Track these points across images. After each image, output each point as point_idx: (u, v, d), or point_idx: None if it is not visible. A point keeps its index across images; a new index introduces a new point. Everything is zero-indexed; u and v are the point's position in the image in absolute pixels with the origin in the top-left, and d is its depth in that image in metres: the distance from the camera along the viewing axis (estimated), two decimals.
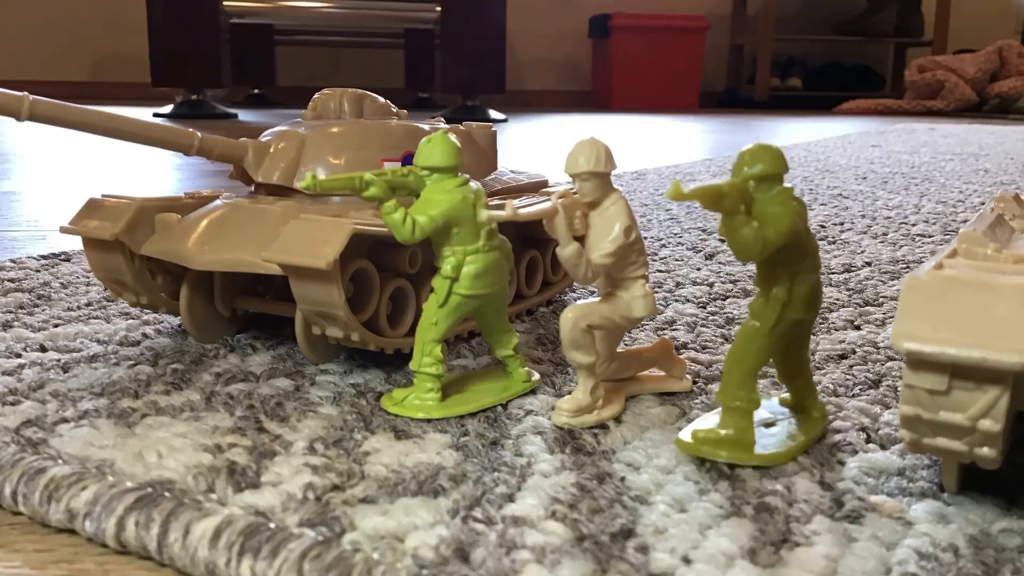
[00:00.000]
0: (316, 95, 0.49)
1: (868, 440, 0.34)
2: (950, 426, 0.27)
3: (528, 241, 0.54)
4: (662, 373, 0.40)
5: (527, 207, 0.35)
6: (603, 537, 0.27)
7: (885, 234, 0.82)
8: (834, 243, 0.77)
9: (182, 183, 1.17)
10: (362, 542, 0.26)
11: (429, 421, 0.36)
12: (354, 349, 0.43)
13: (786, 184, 0.33)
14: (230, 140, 0.45)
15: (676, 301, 0.56)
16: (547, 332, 0.49)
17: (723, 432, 0.33)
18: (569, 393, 0.37)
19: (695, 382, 0.41)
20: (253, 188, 0.47)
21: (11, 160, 1.40)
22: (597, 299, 0.37)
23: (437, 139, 0.38)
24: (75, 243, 0.74)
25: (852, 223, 0.88)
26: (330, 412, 0.36)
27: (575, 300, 0.56)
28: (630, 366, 0.39)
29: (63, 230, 0.44)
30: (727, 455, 0.32)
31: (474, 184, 0.39)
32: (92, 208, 0.45)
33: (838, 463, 0.32)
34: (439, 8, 2.84)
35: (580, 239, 0.35)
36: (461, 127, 0.50)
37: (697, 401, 0.38)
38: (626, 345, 0.45)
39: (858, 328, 0.51)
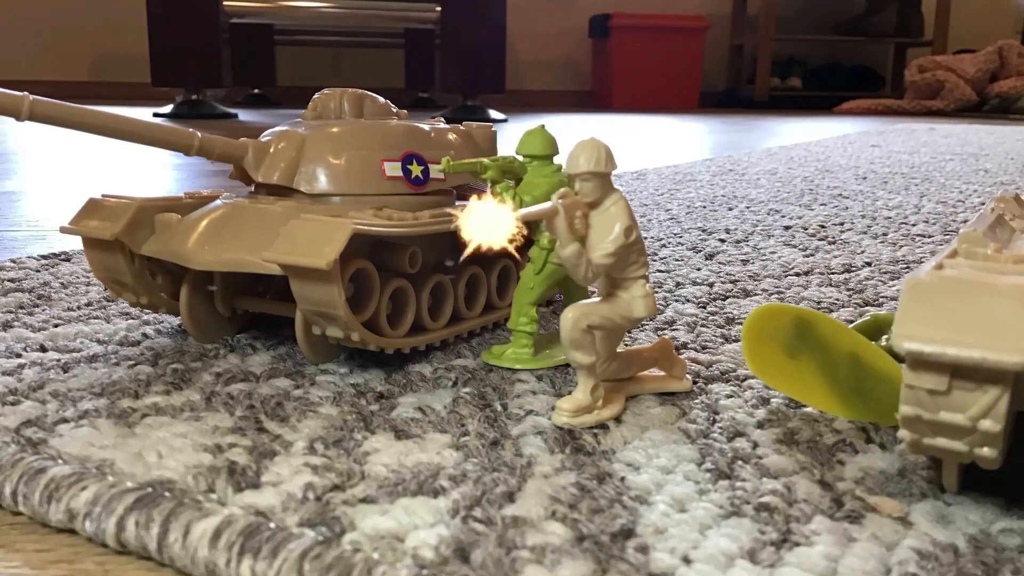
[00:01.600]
0: (316, 95, 0.49)
1: (868, 440, 0.34)
2: (950, 426, 0.27)
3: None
4: (662, 373, 0.40)
5: (528, 207, 0.35)
6: (603, 537, 0.27)
7: (885, 234, 0.82)
8: (834, 243, 0.77)
9: (182, 183, 1.16)
10: (362, 542, 0.26)
11: (431, 421, 0.36)
12: (354, 349, 0.43)
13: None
14: (230, 140, 0.45)
15: (676, 301, 0.56)
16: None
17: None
18: (569, 393, 0.37)
19: (695, 382, 0.41)
20: (253, 188, 0.47)
21: (12, 160, 1.40)
22: (598, 299, 0.37)
23: (537, 132, 0.45)
24: (75, 243, 0.74)
25: (852, 223, 0.88)
26: (330, 412, 0.36)
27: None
28: (630, 366, 0.39)
29: (63, 230, 0.44)
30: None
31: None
32: (92, 208, 0.45)
33: (838, 463, 0.32)
34: (439, 8, 2.84)
35: (581, 239, 0.35)
36: (461, 127, 0.50)
37: (697, 401, 0.38)
38: (626, 345, 0.45)
39: None
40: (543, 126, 0.46)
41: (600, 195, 0.35)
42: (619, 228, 0.35)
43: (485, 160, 0.44)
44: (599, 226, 0.35)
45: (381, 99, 0.49)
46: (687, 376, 0.40)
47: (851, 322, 0.51)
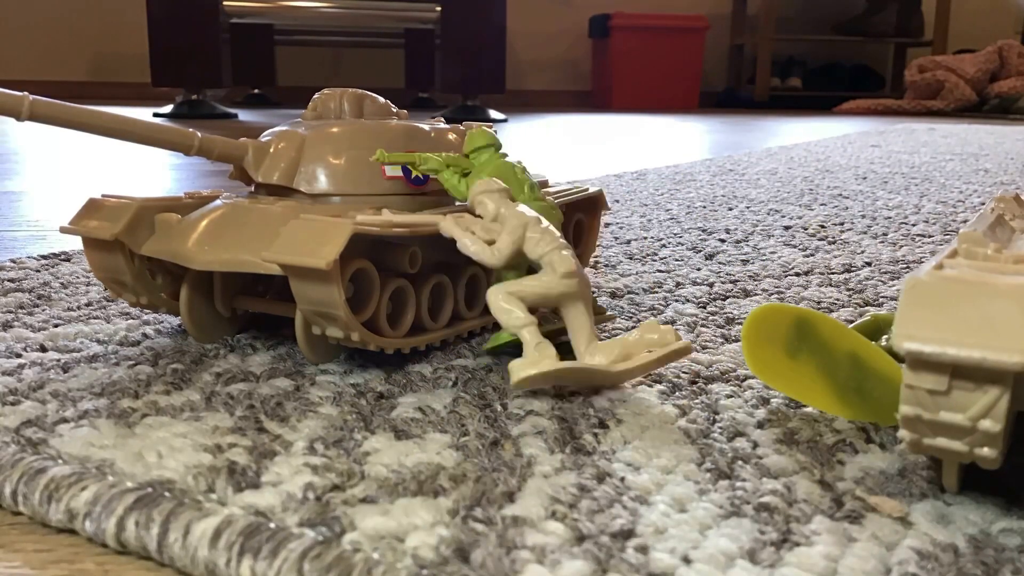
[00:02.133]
0: (316, 95, 0.49)
1: (868, 440, 0.34)
2: (950, 426, 0.27)
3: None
4: (658, 352, 0.40)
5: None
6: (603, 537, 0.27)
7: (885, 234, 0.82)
8: (834, 243, 0.77)
9: (181, 183, 1.17)
10: (362, 542, 0.26)
11: (431, 421, 0.36)
12: (354, 349, 0.43)
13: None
14: (230, 140, 0.45)
15: (676, 301, 0.56)
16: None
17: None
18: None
19: (694, 382, 0.41)
20: (253, 188, 0.47)
21: (12, 160, 1.40)
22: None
23: (477, 129, 0.47)
24: (75, 243, 0.74)
25: (852, 223, 0.88)
26: (330, 412, 0.36)
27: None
28: (613, 352, 0.39)
29: (63, 230, 0.44)
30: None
31: (515, 159, 0.47)
32: (92, 208, 0.44)
33: (838, 463, 0.32)
34: (439, 8, 2.84)
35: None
36: (460, 127, 0.50)
37: (697, 401, 0.38)
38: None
39: None
40: (481, 125, 0.48)
41: (495, 208, 0.40)
42: (507, 236, 0.39)
43: (426, 154, 0.45)
44: (501, 230, 0.40)
45: (381, 99, 0.49)
46: (681, 340, 0.40)
47: (851, 322, 0.51)
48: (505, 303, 0.38)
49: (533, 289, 0.38)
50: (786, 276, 0.64)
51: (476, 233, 0.40)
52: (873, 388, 0.36)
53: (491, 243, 0.39)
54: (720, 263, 0.68)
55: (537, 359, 0.37)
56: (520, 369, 0.37)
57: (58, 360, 0.42)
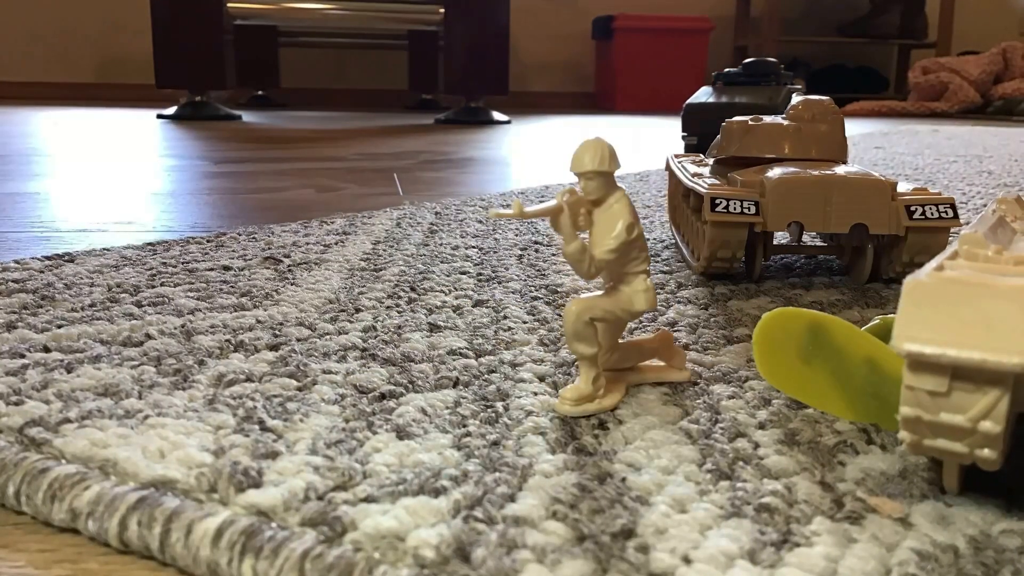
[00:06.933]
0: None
1: (869, 441, 0.34)
2: (951, 428, 0.27)
3: None
4: (663, 364, 0.41)
5: (534, 206, 0.35)
6: (604, 537, 0.27)
7: None
8: None
9: (180, 183, 1.17)
10: (363, 542, 0.26)
11: (432, 421, 0.36)
12: (353, 349, 0.43)
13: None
14: None
15: (678, 303, 0.56)
16: (548, 334, 0.49)
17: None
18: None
19: (695, 383, 0.41)
20: None
21: (12, 161, 1.40)
22: (600, 293, 0.37)
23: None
24: (79, 244, 0.74)
25: None
26: (332, 412, 0.37)
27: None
28: (631, 356, 0.40)
29: None
30: None
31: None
32: None
33: (838, 463, 0.32)
34: (442, 10, 2.85)
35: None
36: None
37: (699, 402, 0.38)
38: (628, 336, 0.45)
39: None
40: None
41: (603, 193, 0.36)
42: (621, 225, 0.36)
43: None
44: (602, 223, 0.36)
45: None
46: (688, 367, 0.41)
47: (856, 325, 0.52)
48: (583, 328, 0.36)
49: (604, 315, 0.37)
50: (788, 278, 0.64)
51: (580, 221, 0.35)
52: (890, 393, 0.36)
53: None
54: None
55: (587, 394, 0.36)
56: (572, 405, 0.36)
57: (61, 360, 0.42)
